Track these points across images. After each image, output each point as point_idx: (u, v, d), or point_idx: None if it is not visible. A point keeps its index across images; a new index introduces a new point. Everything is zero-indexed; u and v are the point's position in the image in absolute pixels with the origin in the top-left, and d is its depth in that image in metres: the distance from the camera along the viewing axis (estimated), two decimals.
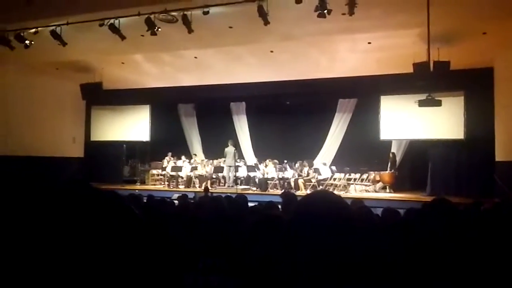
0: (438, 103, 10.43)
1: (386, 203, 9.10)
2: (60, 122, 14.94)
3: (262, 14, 9.12)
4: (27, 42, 11.04)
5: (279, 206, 5.34)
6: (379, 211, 4.91)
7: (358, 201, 5.95)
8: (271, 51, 11.45)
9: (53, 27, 10.73)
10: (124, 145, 16.50)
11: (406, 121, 12.77)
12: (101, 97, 13.63)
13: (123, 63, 12.97)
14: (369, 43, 10.54)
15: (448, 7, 8.59)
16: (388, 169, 13.66)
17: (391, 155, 13.90)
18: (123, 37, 10.51)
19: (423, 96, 10.72)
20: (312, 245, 1.24)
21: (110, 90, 13.72)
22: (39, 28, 10.96)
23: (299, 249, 1.26)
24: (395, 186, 13.63)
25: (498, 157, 11.17)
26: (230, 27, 10.16)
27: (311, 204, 1.36)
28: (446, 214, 4.04)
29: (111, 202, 0.82)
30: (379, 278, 2.31)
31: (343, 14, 8.90)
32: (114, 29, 10.35)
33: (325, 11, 8.71)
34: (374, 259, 2.56)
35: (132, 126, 16.09)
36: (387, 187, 13.63)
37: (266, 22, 9.31)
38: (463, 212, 5.07)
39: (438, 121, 12.17)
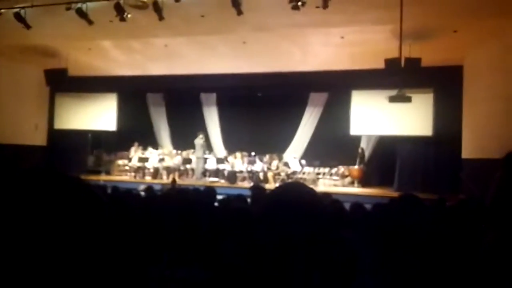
0: (408, 99, 10.54)
1: (354, 198, 9.17)
2: (22, 109, 14.38)
3: (236, 3, 9.00)
4: None
5: (248, 200, 5.25)
6: (347, 206, 4.91)
7: (326, 195, 5.92)
8: (244, 42, 11.29)
9: (17, 9, 10.33)
10: (89, 134, 16.03)
11: (376, 116, 12.86)
12: (66, 83, 13.15)
13: (90, 49, 12.55)
14: (342, 37, 10.52)
15: (420, 4, 8.67)
16: (357, 164, 13.78)
17: (360, 150, 14.02)
18: (90, 22, 10.21)
19: (393, 92, 10.82)
20: (283, 235, 1.21)
21: (76, 76, 13.26)
22: (2, 10, 10.56)
23: (269, 239, 1.23)
24: (363, 181, 13.78)
25: (465, 155, 11.37)
26: (202, 16, 9.97)
27: (284, 194, 1.33)
28: (414, 209, 4.06)
29: (78, 188, 0.76)
30: (348, 271, 2.25)
31: (317, 7, 8.87)
32: (81, 13, 10.04)
33: (299, 3, 8.68)
34: (344, 252, 2.51)
35: (98, 114, 15.66)
36: (355, 182, 13.76)
37: (240, 12, 9.18)
38: (429, 208, 5.11)
39: (407, 118, 12.31)
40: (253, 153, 14.63)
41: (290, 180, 13.17)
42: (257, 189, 6.06)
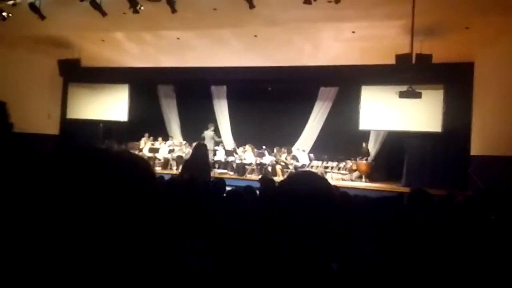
0: (419, 95, 10.54)
1: (362, 192, 9.19)
2: (36, 98, 14.56)
3: None
4: (4, 14, 10.75)
5: (257, 191, 5.35)
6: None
7: (335, 188, 6.00)
8: (255, 36, 11.34)
9: (32, 0, 10.44)
10: (101, 124, 16.19)
11: (386, 112, 12.87)
12: (79, 74, 13.35)
13: (103, 40, 12.70)
14: (353, 32, 10.53)
15: (432, 0, 8.65)
16: (359, 160, 13.92)
17: (363, 145, 14.13)
18: (104, 14, 10.31)
19: (403, 88, 10.83)
20: (293, 225, 1.22)
21: (89, 67, 13.43)
22: (17, 1, 10.65)
23: (279, 227, 1.23)
24: (371, 175, 13.84)
25: (473, 151, 11.38)
26: (215, 9, 10.02)
27: (296, 184, 1.34)
28: (424, 204, 4.12)
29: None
30: (356, 261, 2.32)
31: (329, 1, 8.90)
32: (95, 4, 10.13)
33: None
34: (351, 241, 2.59)
35: (110, 105, 15.82)
36: (363, 176, 13.81)
37: (252, 6, 9.23)
38: (438, 203, 5.17)
39: (417, 114, 12.29)
40: (263, 147, 14.71)
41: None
42: (266, 181, 6.17)
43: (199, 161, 8.62)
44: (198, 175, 7.79)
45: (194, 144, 15.29)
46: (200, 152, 8.99)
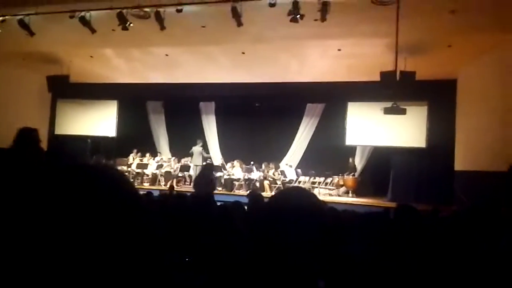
0: (403, 111, 10.72)
1: (349, 207, 9.26)
2: (24, 114, 14.42)
3: (236, 15, 9.19)
4: None
5: (245, 207, 5.41)
6: None
7: (323, 203, 6.07)
8: (243, 53, 11.50)
9: (22, 16, 10.49)
10: (89, 140, 16.16)
11: (371, 128, 13.03)
12: (68, 90, 13.36)
13: (91, 56, 12.76)
14: (339, 50, 10.75)
15: (416, 19, 8.88)
16: (346, 175, 14.06)
17: (350, 161, 14.30)
18: (93, 31, 10.38)
19: (388, 104, 10.99)
20: (282, 242, 1.21)
21: (78, 83, 13.43)
22: (6, 17, 10.68)
23: (269, 246, 1.22)
24: (358, 191, 13.96)
25: (457, 167, 11.56)
26: (203, 27, 10.16)
27: (285, 200, 1.33)
28: (410, 219, 4.21)
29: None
30: (345, 276, 2.40)
31: (316, 20, 9.07)
32: (84, 21, 10.21)
33: (298, 16, 8.88)
34: (343, 258, 2.66)
35: (98, 121, 15.79)
36: (350, 191, 13.94)
37: (239, 24, 9.38)
38: (423, 218, 5.27)
39: (402, 130, 12.49)
40: (251, 162, 14.79)
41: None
42: (255, 196, 6.23)
43: (205, 179, 9.17)
44: (204, 190, 8.22)
45: (183, 160, 15.42)
46: (206, 170, 9.85)
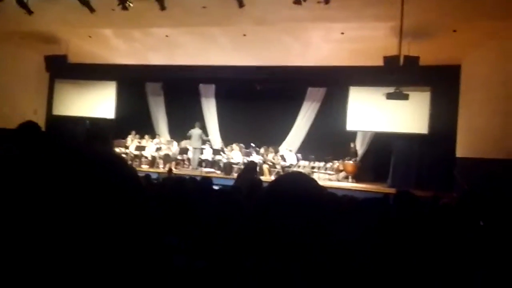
0: (406, 97, 10.63)
1: (348, 193, 9.24)
2: (22, 94, 14.38)
3: None
4: None
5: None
6: None
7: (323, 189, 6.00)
8: (244, 35, 11.33)
9: None
10: (87, 121, 16.06)
11: (373, 113, 12.94)
12: (66, 70, 13.19)
13: (90, 36, 12.56)
14: (342, 33, 10.58)
15: (421, 2, 8.74)
16: (347, 160, 14.00)
17: (351, 146, 14.23)
18: (92, 10, 10.23)
19: (391, 89, 10.90)
20: (280, 227, 1.21)
21: (76, 64, 13.27)
22: None
23: (266, 231, 1.23)
24: (358, 176, 13.92)
25: (459, 153, 11.50)
26: (204, 7, 9.99)
27: (284, 185, 1.33)
28: (410, 206, 4.15)
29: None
30: (346, 264, 2.33)
31: (319, 2, 8.93)
32: (83, 0, 10.04)
33: None
34: (342, 243, 2.59)
35: (96, 102, 15.66)
36: (350, 177, 13.89)
37: (241, 5, 9.24)
38: (423, 205, 5.22)
39: (404, 115, 12.40)
40: (252, 145, 14.71)
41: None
42: (253, 181, 6.16)
43: (247, 176, 9.31)
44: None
45: (182, 142, 15.36)
46: (250, 167, 9.59)
